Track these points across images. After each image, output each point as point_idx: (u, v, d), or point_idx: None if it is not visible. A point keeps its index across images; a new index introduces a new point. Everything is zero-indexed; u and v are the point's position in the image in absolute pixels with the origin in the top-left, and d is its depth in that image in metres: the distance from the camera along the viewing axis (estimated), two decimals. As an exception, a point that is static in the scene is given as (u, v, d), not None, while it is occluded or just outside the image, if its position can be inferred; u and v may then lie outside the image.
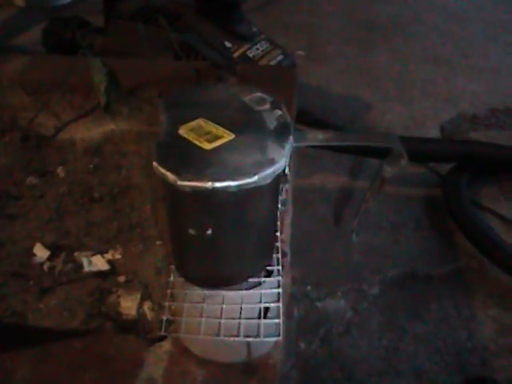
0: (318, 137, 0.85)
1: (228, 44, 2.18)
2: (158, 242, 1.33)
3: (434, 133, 2.50)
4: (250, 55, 2.18)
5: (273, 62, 2.21)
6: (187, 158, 0.77)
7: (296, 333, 1.61)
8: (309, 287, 1.77)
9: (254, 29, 2.30)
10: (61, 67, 1.79)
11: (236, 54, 2.16)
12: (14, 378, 1.01)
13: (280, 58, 2.24)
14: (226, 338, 0.92)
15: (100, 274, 1.25)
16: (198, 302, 0.94)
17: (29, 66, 1.84)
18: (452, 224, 2.00)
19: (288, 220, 1.27)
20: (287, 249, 1.18)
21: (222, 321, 0.92)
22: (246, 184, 0.73)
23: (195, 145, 0.78)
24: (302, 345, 1.61)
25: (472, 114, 2.64)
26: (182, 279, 0.96)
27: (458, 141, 2.37)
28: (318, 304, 1.73)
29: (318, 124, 2.20)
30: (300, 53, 3.00)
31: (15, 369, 1.03)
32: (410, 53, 3.22)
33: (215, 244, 0.84)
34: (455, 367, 1.58)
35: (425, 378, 1.56)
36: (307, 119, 2.17)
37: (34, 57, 1.95)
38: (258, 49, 2.22)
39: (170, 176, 0.74)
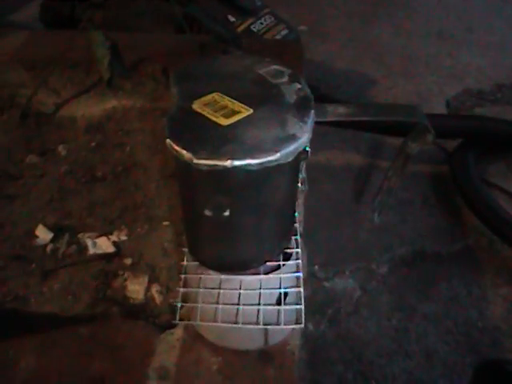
0: (339, 111, 0.81)
1: (231, 18, 2.13)
2: (164, 223, 1.29)
3: (439, 108, 2.46)
4: (254, 29, 2.14)
5: (277, 37, 2.16)
6: (203, 135, 0.72)
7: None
8: (316, 267, 1.74)
9: (258, 3, 2.25)
10: (60, 42, 1.74)
11: (240, 29, 2.12)
12: (19, 367, 0.98)
13: (285, 32, 2.19)
14: (245, 326, 0.88)
15: (105, 256, 1.21)
16: (214, 288, 0.90)
17: (27, 42, 1.80)
18: (460, 201, 1.96)
19: (301, 199, 1.23)
20: (301, 229, 1.14)
21: (240, 307, 0.88)
22: (267, 162, 0.69)
23: (211, 120, 0.73)
24: (310, 325, 1.59)
25: (477, 90, 2.60)
26: (195, 263, 0.92)
27: (465, 116, 2.34)
28: (326, 284, 1.70)
29: (323, 99, 2.16)
30: (302, 28, 2.94)
31: (19, 357, 0.99)
32: (413, 27, 3.17)
33: (233, 226, 0.80)
34: (466, 347, 1.56)
35: (435, 358, 1.53)
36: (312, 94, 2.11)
37: (33, 32, 1.90)
38: (261, 23, 2.18)
39: (186, 154, 0.69)
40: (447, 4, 3.44)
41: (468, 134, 2.11)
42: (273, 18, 2.21)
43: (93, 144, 1.52)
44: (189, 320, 0.97)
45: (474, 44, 3.01)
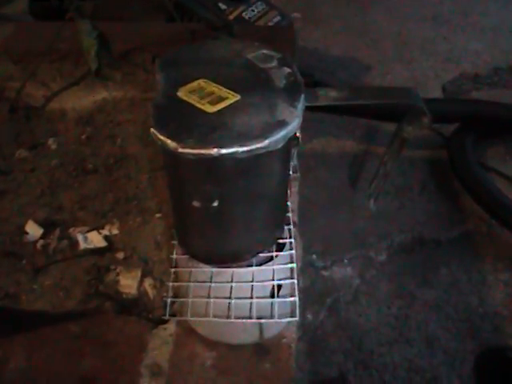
0: (331, 95, 0.78)
1: (222, 6, 2.10)
2: (157, 215, 1.27)
3: (436, 93, 2.44)
4: (246, 17, 2.11)
5: (270, 24, 2.13)
6: (189, 123, 0.70)
7: (302, 303, 1.57)
8: (314, 256, 1.72)
9: (249, -11, 2.22)
10: (48, 34, 1.70)
11: (231, 16, 2.09)
12: (8, 366, 0.96)
13: (277, 19, 2.16)
14: (238, 320, 0.86)
15: (97, 251, 1.19)
16: (205, 281, 0.88)
17: (15, 34, 1.77)
18: (458, 186, 1.94)
19: (295, 187, 1.21)
20: (296, 218, 1.12)
21: (232, 301, 0.86)
22: (256, 149, 0.67)
23: (197, 108, 0.71)
24: (309, 315, 1.57)
25: (474, 74, 2.57)
26: (186, 256, 0.90)
27: (462, 100, 2.31)
28: (324, 273, 1.68)
29: (317, 86, 2.13)
30: (296, 15, 2.91)
31: (9, 357, 0.97)
32: (407, 12, 3.13)
33: (222, 216, 0.78)
34: (467, 334, 1.54)
35: (436, 345, 1.52)
36: (306, 81, 2.08)
37: (20, 24, 1.87)
38: (253, 10, 2.15)
39: (171, 143, 0.67)
40: (441, -13, 3.40)
41: (465, 118, 2.09)
42: (264, 5, 2.18)
43: (83, 136, 1.50)
44: (180, 315, 0.94)
45: (469, 28, 2.98)
